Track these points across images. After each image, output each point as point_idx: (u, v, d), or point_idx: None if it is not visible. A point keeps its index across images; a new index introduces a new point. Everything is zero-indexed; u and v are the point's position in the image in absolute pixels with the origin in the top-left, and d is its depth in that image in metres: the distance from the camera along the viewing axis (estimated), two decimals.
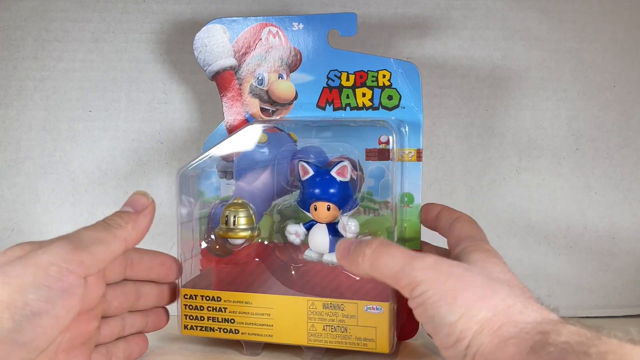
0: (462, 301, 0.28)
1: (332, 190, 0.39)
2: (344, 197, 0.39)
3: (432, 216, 0.39)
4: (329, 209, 0.39)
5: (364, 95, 0.39)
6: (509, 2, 0.50)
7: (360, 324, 0.37)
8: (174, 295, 0.40)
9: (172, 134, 0.50)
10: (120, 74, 0.50)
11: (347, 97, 0.39)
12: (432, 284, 0.29)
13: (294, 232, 0.41)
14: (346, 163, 0.39)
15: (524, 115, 0.51)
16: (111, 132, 0.50)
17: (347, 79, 0.39)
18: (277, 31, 0.40)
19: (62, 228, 0.50)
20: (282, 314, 0.38)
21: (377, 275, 0.32)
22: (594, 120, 0.51)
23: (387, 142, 0.39)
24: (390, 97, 0.39)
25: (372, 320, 0.36)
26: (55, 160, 0.50)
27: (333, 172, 0.39)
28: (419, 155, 0.39)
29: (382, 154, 0.39)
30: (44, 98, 0.50)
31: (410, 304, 0.30)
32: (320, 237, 0.40)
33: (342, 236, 0.39)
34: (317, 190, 0.39)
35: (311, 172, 0.40)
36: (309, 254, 0.41)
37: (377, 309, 0.36)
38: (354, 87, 0.39)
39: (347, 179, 0.39)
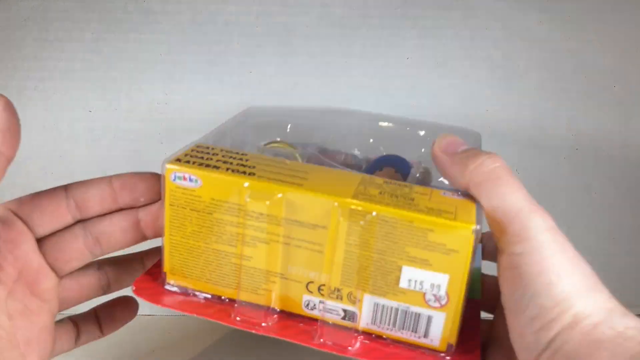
0: (566, 286, 0.23)
1: (402, 163, 0.35)
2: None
3: None
4: (396, 172, 0.34)
5: None
6: (509, 2, 0.50)
7: (433, 199, 0.26)
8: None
9: (172, 134, 0.50)
10: (120, 74, 0.50)
11: None
12: (542, 249, 0.23)
13: None
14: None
15: (524, 115, 0.51)
16: (111, 132, 0.50)
17: None
18: None
19: None
20: (322, 176, 0.27)
21: (480, 198, 0.26)
22: (594, 120, 0.51)
23: None
24: None
25: (451, 200, 0.26)
26: (55, 160, 0.50)
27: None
28: None
29: None
30: (44, 98, 0.50)
31: (503, 260, 0.25)
32: None
33: None
34: (387, 158, 0.35)
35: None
36: None
37: (459, 194, 0.27)
38: None
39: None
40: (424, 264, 0.25)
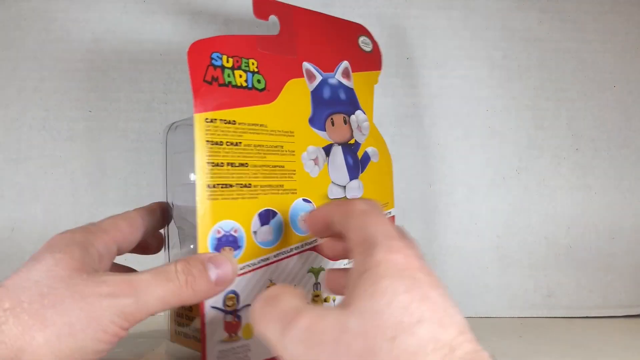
0: None
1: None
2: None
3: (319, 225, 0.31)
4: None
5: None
6: (509, 2, 0.50)
7: None
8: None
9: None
10: (120, 74, 0.50)
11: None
12: None
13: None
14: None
15: (524, 115, 0.51)
16: (111, 132, 0.50)
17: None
18: None
19: (62, 228, 0.50)
20: None
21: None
22: (594, 120, 0.51)
23: None
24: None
25: None
26: (55, 160, 0.50)
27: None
28: None
29: None
30: (44, 98, 0.50)
31: None
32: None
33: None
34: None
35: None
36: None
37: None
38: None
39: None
40: None
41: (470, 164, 0.50)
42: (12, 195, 0.50)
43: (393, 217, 0.41)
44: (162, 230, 0.38)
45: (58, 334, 0.25)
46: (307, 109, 0.37)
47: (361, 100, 0.39)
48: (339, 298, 0.37)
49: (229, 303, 0.32)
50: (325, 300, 0.37)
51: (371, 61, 0.41)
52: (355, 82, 0.39)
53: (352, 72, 0.39)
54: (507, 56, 0.50)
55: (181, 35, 0.50)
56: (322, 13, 0.41)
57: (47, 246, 0.30)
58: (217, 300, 0.32)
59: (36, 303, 0.26)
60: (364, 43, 0.38)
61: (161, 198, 0.50)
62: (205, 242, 0.32)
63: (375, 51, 0.41)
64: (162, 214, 0.37)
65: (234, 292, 0.32)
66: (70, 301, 0.26)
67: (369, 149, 0.40)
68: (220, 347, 0.32)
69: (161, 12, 0.50)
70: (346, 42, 0.40)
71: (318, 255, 0.36)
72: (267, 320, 0.24)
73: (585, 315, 0.50)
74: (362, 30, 0.41)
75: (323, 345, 0.21)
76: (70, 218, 0.50)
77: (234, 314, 0.32)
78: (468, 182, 0.50)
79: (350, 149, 0.38)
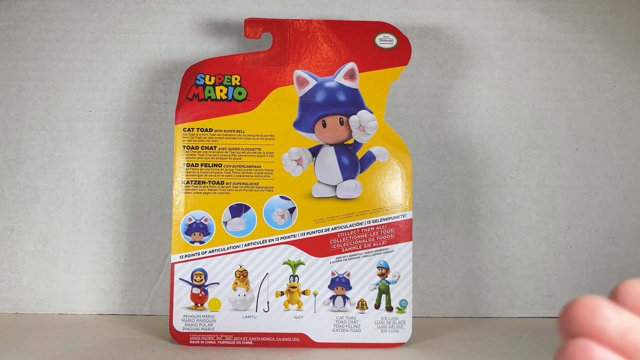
0: None
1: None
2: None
3: None
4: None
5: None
6: (509, 2, 0.50)
7: None
8: None
9: (172, 134, 0.50)
10: (120, 74, 0.50)
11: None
12: None
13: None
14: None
15: (524, 115, 0.51)
16: (111, 132, 0.50)
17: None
18: None
19: (62, 228, 0.50)
20: None
21: None
22: (594, 120, 0.51)
23: None
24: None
25: None
26: (55, 160, 0.50)
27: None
28: None
29: None
30: (44, 98, 0.50)
31: None
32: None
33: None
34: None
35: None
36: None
37: None
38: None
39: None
40: None
41: (470, 164, 0.50)
42: (12, 195, 0.50)
43: (410, 220, 0.41)
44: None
45: None
46: (293, 114, 0.40)
47: (369, 99, 0.40)
48: (320, 291, 0.40)
49: (197, 279, 0.39)
50: (305, 293, 0.40)
51: (392, 58, 0.41)
52: (363, 81, 0.40)
53: (362, 71, 0.40)
54: (507, 56, 0.50)
55: (181, 35, 0.50)
56: (325, 20, 0.41)
57: None
58: (185, 274, 0.39)
59: None
60: (382, 40, 0.39)
61: (161, 198, 0.50)
62: (178, 227, 0.39)
63: (401, 46, 0.41)
64: None
65: (202, 270, 0.39)
66: None
67: (375, 149, 0.40)
68: (185, 312, 0.39)
69: (161, 12, 0.50)
70: (357, 43, 0.41)
71: (296, 249, 0.40)
72: None
73: None
74: (383, 28, 0.41)
75: None
76: (70, 218, 0.50)
77: (201, 288, 0.39)
78: (468, 182, 0.50)
79: (346, 149, 0.39)
